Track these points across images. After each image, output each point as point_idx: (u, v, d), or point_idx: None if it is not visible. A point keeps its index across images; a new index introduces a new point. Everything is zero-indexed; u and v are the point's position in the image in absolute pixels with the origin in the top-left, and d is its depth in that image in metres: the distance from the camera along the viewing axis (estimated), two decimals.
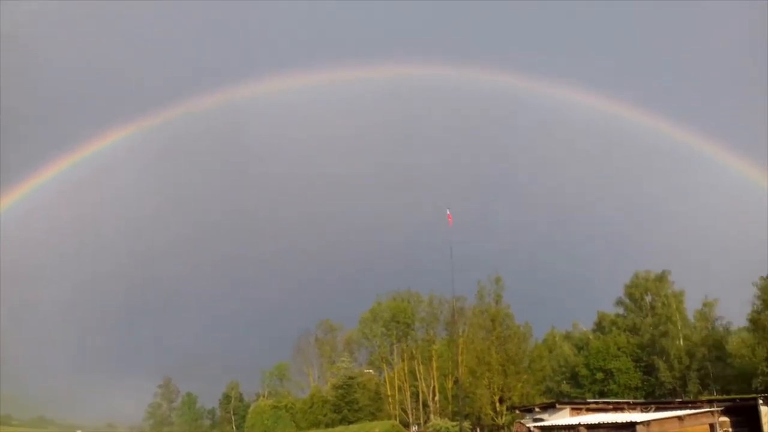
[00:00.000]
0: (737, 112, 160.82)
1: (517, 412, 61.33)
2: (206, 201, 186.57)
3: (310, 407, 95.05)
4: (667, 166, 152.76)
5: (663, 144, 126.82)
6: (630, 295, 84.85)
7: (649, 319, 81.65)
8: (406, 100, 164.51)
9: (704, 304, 79.67)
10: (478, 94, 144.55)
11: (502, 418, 70.16)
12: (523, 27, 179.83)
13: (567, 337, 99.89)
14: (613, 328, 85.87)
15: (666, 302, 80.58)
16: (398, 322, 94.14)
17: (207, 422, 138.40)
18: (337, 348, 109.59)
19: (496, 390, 70.40)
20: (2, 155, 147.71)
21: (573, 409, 49.58)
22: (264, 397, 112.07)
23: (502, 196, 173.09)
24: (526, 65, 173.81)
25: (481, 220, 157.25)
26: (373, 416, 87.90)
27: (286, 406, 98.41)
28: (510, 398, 70.21)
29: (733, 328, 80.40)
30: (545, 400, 63.88)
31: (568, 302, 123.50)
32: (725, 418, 44.39)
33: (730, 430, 44.82)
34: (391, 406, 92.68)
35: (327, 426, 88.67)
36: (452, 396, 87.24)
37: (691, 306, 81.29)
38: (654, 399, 65.90)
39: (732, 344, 75.41)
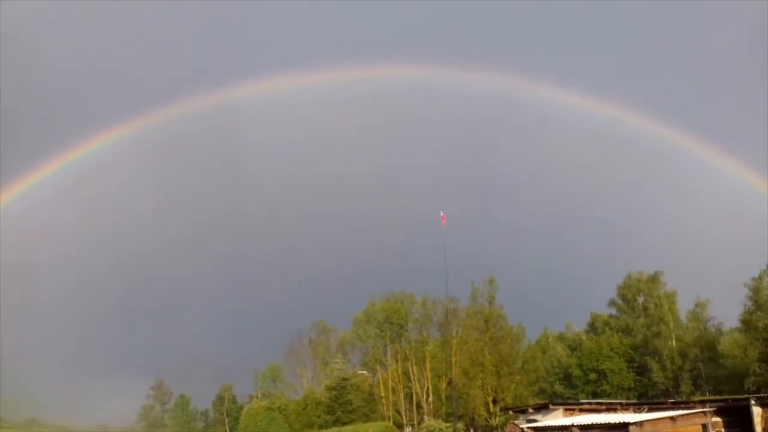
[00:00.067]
0: (736, 113, 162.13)
1: (511, 413, 61.48)
2: (203, 201, 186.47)
3: (304, 409, 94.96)
4: (662, 168, 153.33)
5: (659, 146, 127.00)
6: (623, 296, 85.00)
7: (641, 320, 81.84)
8: (406, 100, 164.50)
9: (696, 305, 79.97)
10: (478, 95, 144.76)
11: (495, 419, 70.16)
12: (523, 27, 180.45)
13: (560, 337, 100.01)
14: (606, 329, 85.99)
15: (658, 303, 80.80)
16: (392, 323, 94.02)
17: (200, 424, 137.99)
18: (331, 349, 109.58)
19: (489, 391, 70.40)
20: (2, 155, 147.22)
21: (566, 409, 49.70)
22: (257, 398, 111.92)
23: (498, 197, 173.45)
24: (525, 65, 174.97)
25: (476, 221, 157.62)
26: (367, 417, 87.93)
27: (279, 407, 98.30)
28: (503, 399, 70.24)
29: (725, 328, 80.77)
30: (538, 401, 63.96)
31: (561, 303, 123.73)
32: (717, 419, 44.61)
33: (723, 430, 45.05)
34: (385, 407, 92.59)
35: (320, 427, 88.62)
36: (446, 397, 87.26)
37: (684, 307, 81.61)
38: (647, 399, 66.07)
39: (724, 345, 75.69)
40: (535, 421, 48.33)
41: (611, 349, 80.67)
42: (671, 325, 78.94)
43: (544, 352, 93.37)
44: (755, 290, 67.97)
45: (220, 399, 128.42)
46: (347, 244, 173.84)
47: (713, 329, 79.89)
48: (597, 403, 53.24)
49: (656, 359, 76.90)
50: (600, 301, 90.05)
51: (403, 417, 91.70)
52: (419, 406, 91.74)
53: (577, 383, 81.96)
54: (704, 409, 42.68)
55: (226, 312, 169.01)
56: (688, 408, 44.11)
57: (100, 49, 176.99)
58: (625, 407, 50.38)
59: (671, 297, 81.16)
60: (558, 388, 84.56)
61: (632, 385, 78.73)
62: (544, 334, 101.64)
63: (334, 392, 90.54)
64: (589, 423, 39.96)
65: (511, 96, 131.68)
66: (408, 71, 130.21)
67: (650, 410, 46.40)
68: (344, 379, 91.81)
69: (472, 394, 72.07)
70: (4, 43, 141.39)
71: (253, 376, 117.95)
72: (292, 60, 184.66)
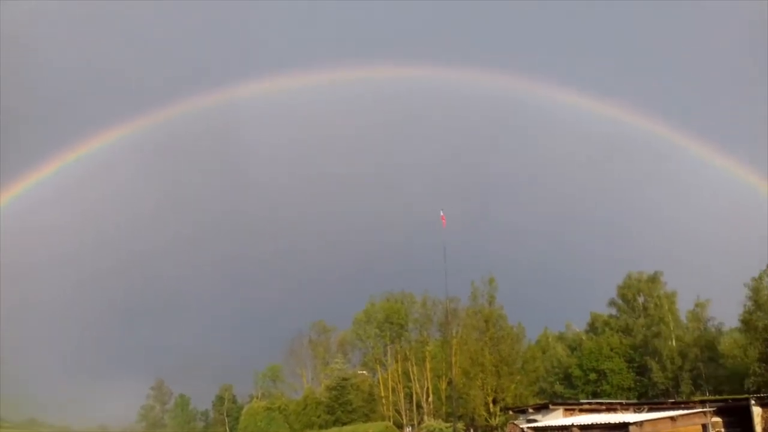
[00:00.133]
0: (735, 113, 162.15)
1: (511, 413, 61.47)
2: (203, 201, 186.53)
3: (304, 409, 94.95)
4: (662, 168, 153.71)
5: (659, 145, 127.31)
6: (623, 296, 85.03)
7: (641, 320, 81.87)
8: (406, 100, 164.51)
9: (696, 305, 80.00)
10: (478, 95, 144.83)
11: (495, 419, 70.15)
12: (523, 27, 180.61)
13: (560, 337, 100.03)
14: (606, 329, 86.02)
15: (658, 303, 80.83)
16: (392, 323, 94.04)
17: (200, 424, 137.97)
18: (331, 349, 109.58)
19: (489, 391, 70.40)
20: (2, 155, 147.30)
21: (566, 409, 49.71)
22: (257, 398, 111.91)
23: (498, 197, 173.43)
24: (525, 65, 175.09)
25: (476, 221, 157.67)
26: (367, 417, 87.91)
27: (279, 407, 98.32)
28: (503, 399, 70.24)
29: (725, 328, 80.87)
30: (538, 401, 63.97)
31: (561, 303, 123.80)
32: (717, 419, 44.62)
33: (723, 430, 45.06)
34: (385, 407, 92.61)
35: (320, 427, 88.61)
36: (446, 397, 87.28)
37: (684, 307, 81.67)
38: (647, 399, 66.09)
39: (724, 345, 75.74)
40: (535, 421, 48.34)
41: (611, 349, 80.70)
42: (671, 325, 78.97)
43: (544, 352, 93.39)
44: (755, 290, 68.00)
45: (220, 399, 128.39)
46: (347, 244, 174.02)
47: (713, 329, 79.96)
48: (597, 403, 53.26)
49: (656, 359, 76.92)
50: (600, 301, 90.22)
51: (403, 417, 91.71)
52: (419, 406, 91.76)
53: (577, 383, 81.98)
54: (704, 409, 42.69)
55: (227, 312, 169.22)
56: (688, 408, 44.12)
57: (100, 49, 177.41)
58: (625, 407, 50.40)
59: (671, 297, 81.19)
60: (558, 388, 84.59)
61: (632, 385, 78.75)
62: (544, 334, 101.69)
63: (334, 392, 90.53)
64: (589, 423, 39.97)
65: (511, 96, 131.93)
66: (408, 71, 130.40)
67: (650, 410, 46.42)
68: (344, 379, 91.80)
69: (472, 394, 72.09)
70: (4, 43, 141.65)
71: (253, 376, 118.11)
72: (292, 60, 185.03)
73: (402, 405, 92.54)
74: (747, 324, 68.09)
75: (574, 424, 40.53)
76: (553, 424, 43.00)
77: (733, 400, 48.15)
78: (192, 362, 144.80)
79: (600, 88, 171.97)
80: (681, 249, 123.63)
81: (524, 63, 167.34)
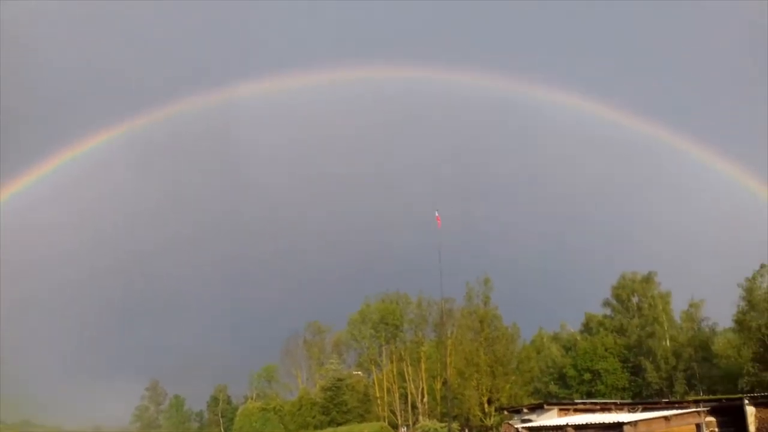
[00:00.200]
0: (734, 114, 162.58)
1: (506, 413, 61.54)
2: (202, 201, 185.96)
3: (299, 409, 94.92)
4: (658, 169, 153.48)
5: (656, 146, 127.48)
6: (617, 297, 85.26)
7: (635, 320, 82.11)
8: (406, 100, 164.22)
9: (690, 305, 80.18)
10: (477, 95, 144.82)
11: (490, 419, 70.31)
12: (523, 27, 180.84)
13: (555, 338, 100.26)
14: (601, 329, 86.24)
15: (653, 303, 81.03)
16: (387, 323, 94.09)
17: (195, 425, 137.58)
18: (326, 350, 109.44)
19: (484, 391, 70.57)
20: (2, 155, 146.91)
21: (561, 409, 49.81)
22: (252, 399, 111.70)
23: (494, 198, 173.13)
24: (525, 65, 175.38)
25: (473, 221, 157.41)
26: (362, 418, 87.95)
27: (274, 408, 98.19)
28: (498, 399, 70.41)
29: (719, 328, 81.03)
30: (533, 401, 64.15)
31: (556, 303, 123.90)
32: (711, 418, 44.76)
33: (717, 430, 45.19)
34: (380, 407, 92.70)
35: (315, 428, 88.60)
36: (441, 397, 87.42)
37: (678, 307, 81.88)
38: (641, 399, 66.25)
39: (718, 345, 76.02)
40: (529, 421, 48.42)
41: (606, 349, 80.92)
42: (665, 325, 79.23)
43: (538, 353, 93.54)
44: (749, 290, 68.28)
45: (215, 400, 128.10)
46: (345, 245, 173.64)
47: (707, 329, 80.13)
48: (591, 403, 53.38)
49: (650, 359, 77.12)
50: (594, 302, 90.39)
51: (398, 417, 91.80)
52: (414, 407, 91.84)
53: (571, 383, 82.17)
54: (698, 409, 42.80)
55: (222, 312, 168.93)
56: (682, 408, 44.24)
57: (100, 49, 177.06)
58: (619, 407, 50.51)
59: (665, 297, 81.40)
60: (553, 388, 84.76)
61: (626, 385, 78.98)
62: (538, 334, 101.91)
63: (329, 393, 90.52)
64: (584, 423, 40.05)
65: (511, 96, 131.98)
66: (408, 71, 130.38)
67: (644, 410, 46.54)
68: (339, 380, 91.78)
69: (467, 395, 72.22)
70: (4, 43, 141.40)
71: (248, 376, 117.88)
72: (292, 60, 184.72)
73: (397, 405, 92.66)
74: (741, 324, 68.38)
75: (569, 424, 40.61)
76: (548, 424, 43.09)
77: (726, 399, 48.32)
78: (187, 363, 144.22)
79: (599, 88, 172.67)
80: (675, 249, 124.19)
81: (524, 64, 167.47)
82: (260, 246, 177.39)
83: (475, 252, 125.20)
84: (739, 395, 48.88)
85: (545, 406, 51.25)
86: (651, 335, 78.44)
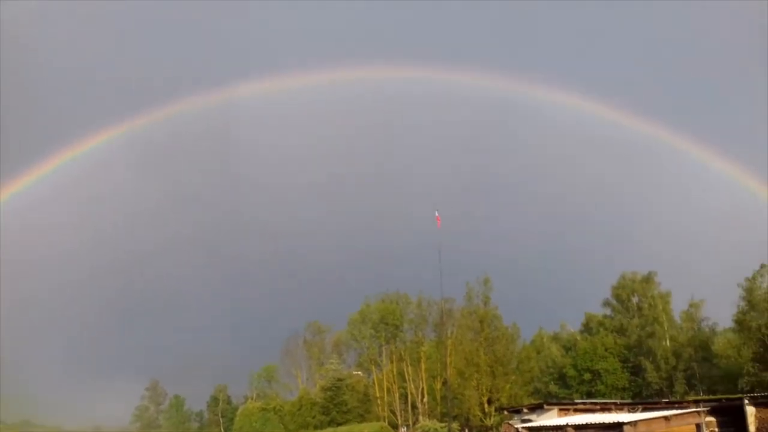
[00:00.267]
0: (733, 114, 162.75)
1: (506, 413, 61.54)
2: (201, 201, 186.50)
3: (299, 409, 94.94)
4: (657, 169, 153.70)
5: (655, 146, 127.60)
6: (617, 296, 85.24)
7: (635, 320, 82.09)
8: (407, 100, 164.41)
9: (690, 305, 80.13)
10: (477, 95, 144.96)
11: (490, 419, 70.30)
12: (524, 29, 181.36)
13: (555, 338, 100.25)
14: (601, 329, 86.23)
15: (653, 303, 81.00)
16: (387, 323, 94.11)
17: (195, 425, 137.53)
18: (326, 350, 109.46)
19: (484, 391, 70.56)
20: (2, 154, 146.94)
21: (561, 409, 49.83)
22: (252, 399, 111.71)
23: (494, 197, 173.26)
24: (525, 66, 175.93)
25: (473, 221, 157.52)
26: (362, 418, 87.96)
27: (274, 408, 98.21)
28: (498, 399, 70.40)
29: (719, 328, 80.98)
30: (533, 401, 64.15)
31: (556, 303, 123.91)
32: (711, 418, 44.77)
33: (717, 430, 45.21)
34: (380, 407, 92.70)
35: (315, 428, 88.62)
36: (441, 397, 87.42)
37: (678, 307, 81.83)
38: (641, 399, 66.24)
39: (718, 345, 75.98)
40: (529, 421, 48.43)
41: (606, 349, 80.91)
42: (665, 325, 79.22)
43: (538, 352, 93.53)
44: (749, 290, 68.24)
45: (215, 400, 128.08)
46: (346, 244, 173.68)
47: (707, 329, 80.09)
48: (591, 403, 53.39)
49: (650, 359, 77.10)
50: (594, 302, 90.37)
51: (398, 417, 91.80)
52: (414, 407, 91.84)
53: (571, 383, 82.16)
54: (698, 409, 42.80)
55: (224, 312, 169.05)
56: (682, 408, 44.24)
57: (100, 49, 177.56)
58: (619, 407, 50.52)
59: (665, 297, 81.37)
60: (553, 388, 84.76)
61: (626, 385, 78.97)
62: (538, 334, 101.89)
63: (329, 393, 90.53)
64: (584, 423, 40.05)
65: (511, 96, 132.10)
66: (408, 71, 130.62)
67: (644, 410, 46.55)
68: (339, 380, 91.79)
69: (467, 395, 72.21)
70: (4, 43, 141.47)
71: (248, 376, 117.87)
72: (292, 60, 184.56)
73: (397, 405, 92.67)
74: (741, 324, 68.34)
75: (569, 424, 40.61)
76: (548, 424, 43.10)
77: (726, 399, 48.33)
78: (187, 362, 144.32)
79: (599, 88, 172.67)
80: (675, 249, 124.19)
81: (524, 63, 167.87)
82: (260, 246, 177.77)
83: (475, 252, 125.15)
84: (739, 395, 48.89)
85: (545, 406, 51.26)
86: (651, 335, 78.42)
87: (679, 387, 73.80)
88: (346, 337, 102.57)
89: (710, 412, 44.40)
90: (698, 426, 41.23)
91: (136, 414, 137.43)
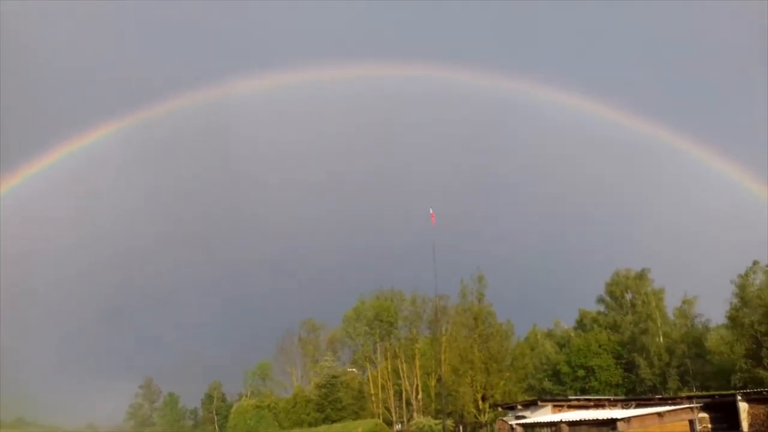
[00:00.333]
0: (733, 114, 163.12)
1: (500, 409, 61.73)
2: (198, 198, 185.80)
3: (293, 407, 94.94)
4: (652, 167, 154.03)
5: (653, 145, 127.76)
6: (611, 293, 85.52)
7: (629, 317, 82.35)
8: (407, 99, 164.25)
9: (684, 302, 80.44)
10: (477, 95, 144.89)
11: (484, 415, 70.37)
12: (525, 29, 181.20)
13: (549, 334, 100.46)
14: (595, 326, 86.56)
15: (646, 300, 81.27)
16: (381, 320, 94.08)
17: (189, 422, 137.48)
18: (321, 347, 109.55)
19: (478, 388, 70.58)
20: (2, 154, 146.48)
21: (555, 406, 50.06)
22: (247, 396, 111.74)
23: (491, 196, 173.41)
24: (525, 66, 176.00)
25: (468, 220, 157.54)
26: (357, 415, 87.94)
27: (269, 405, 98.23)
28: (492, 396, 70.45)
29: (712, 325, 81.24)
30: (527, 398, 64.35)
31: (550, 300, 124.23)
32: (704, 414, 45.00)
33: (710, 426, 45.44)
34: (375, 404, 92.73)
35: (310, 425, 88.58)
36: (435, 394, 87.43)
37: (671, 304, 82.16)
38: (634, 396, 66.40)
39: (711, 341, 76.30)
40: (524, 417, 48.65)
41: (599, 346, 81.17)
42: (659, 321, 79.47)
43: (532, 349, 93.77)
44: (742, 287, 68.37)
45: (209, 397, 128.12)
46: (344, 242, 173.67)
47: (700, 326, 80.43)
48: (585, 400, 53.66)
49: (644, 356, 77.37)
50: (588, 298, 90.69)
51: (393, 414, 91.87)
52: (409, 404, 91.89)
53: (565, 380, 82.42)
54: (691, 405, 43.04)
55: (219, 309, 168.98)
56: (675, 404, 44.51)
57: (100, 46, 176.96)
58: (613, 403, 50.79)
59: (659, 294, 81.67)
60: (547, 384, 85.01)
61: (620, 382, 79.26)
62: (532, 331, 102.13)
63: (323, 390, 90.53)
64: (578, 419, 40.21)
65: (511, 96, 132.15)
66: (408, 70, 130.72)
67: (638, 406, 46.79)
68: (334, 377, 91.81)
69: (462, 391, 72.23)
70: (4, 43, 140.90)
71: (243, 374, 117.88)
72: (292, 57, 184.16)
73: (391, 402, 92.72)
74: (734, 320, 68.48)
75: (563, 420, 40.77)
76: (542, 421, 43.30)
77: (719, 396, 48.53)
78: (181, 360, 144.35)
79: (598, 88, 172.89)
80: (668, 246, 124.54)
81: (524, 63, 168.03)
82: (258, 243, 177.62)
83: (474, 252, 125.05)
84: (732, 391, 49.08)
85: (539, 403, 51.51)
86: (644, 332, 78.68)
87: (673, 383, 74.11)
88: (340, 334, 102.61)
89: (703, 408, 44.63)
90: (691, 422, 41.44)
91: (130, 412, 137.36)
